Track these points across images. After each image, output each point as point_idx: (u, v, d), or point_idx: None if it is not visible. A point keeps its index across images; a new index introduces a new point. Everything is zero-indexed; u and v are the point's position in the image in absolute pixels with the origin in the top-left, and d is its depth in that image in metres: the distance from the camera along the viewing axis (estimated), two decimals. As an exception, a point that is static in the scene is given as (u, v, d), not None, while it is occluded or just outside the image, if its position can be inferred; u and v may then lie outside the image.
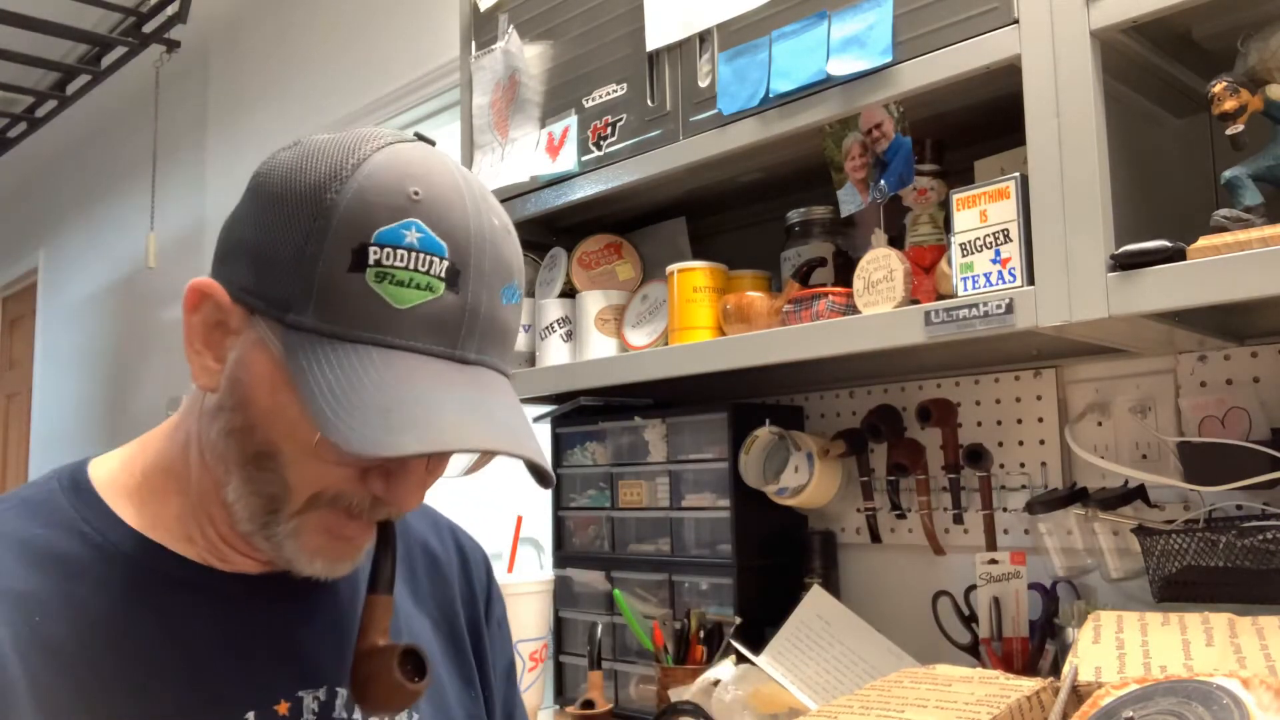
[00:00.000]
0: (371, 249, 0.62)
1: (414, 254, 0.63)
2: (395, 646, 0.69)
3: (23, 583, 0.65)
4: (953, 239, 1.16)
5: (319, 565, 0.70)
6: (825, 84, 1.26)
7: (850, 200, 1.33)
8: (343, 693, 0.74)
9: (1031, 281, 1.09)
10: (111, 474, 0.74)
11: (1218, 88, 1.01)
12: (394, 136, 0.68)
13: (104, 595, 0.68)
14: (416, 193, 0.64)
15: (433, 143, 0.70)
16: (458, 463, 0.74)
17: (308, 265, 0.63)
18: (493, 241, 0.67)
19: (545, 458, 0.67)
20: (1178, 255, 0.99)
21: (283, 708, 0.71)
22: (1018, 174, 1.11)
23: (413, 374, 0.63)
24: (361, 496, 0.68)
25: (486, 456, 0.73)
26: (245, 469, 0.67)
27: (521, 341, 1.72)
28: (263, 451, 0.66)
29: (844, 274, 1.44)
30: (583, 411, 1.81)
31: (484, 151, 1.72)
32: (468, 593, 0.90)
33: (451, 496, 2.40)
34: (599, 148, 1.54)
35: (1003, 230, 1.11)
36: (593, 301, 1.64)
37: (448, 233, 0.64)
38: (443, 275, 0.64)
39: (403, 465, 0.68)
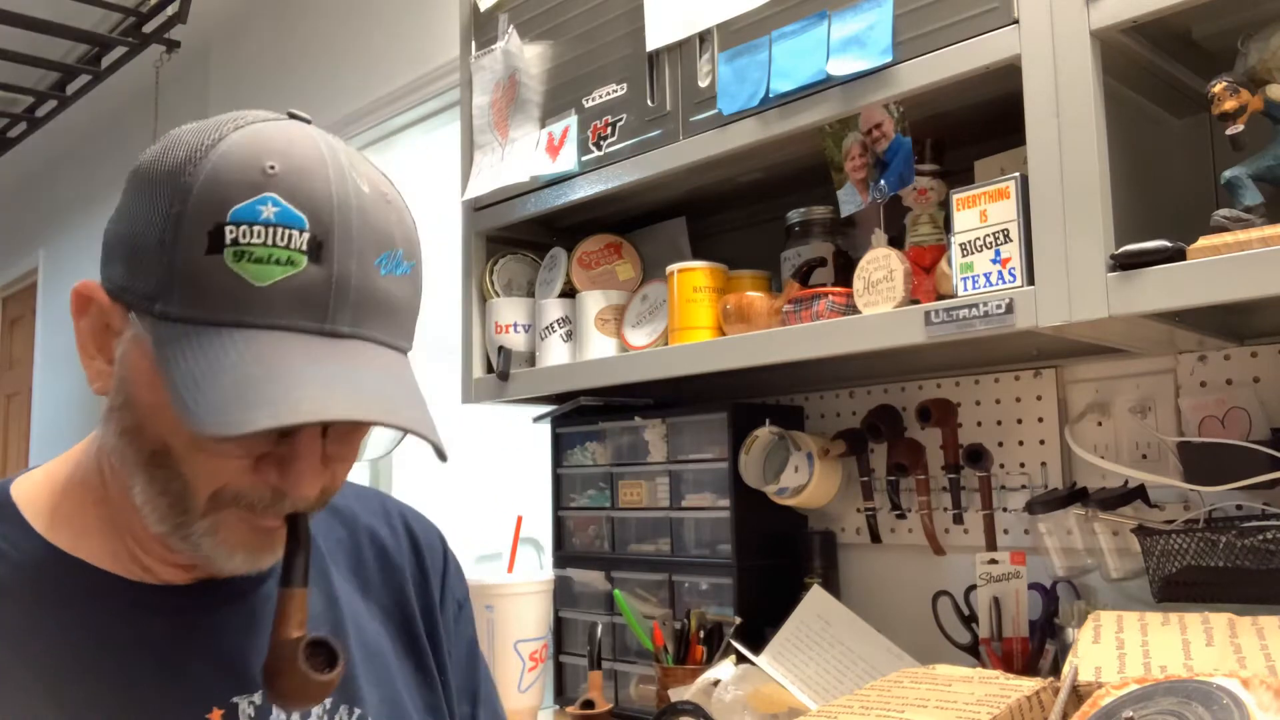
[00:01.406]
0: (227, 228, 0.60)
1: (271, 229, 0.61)
2: (303, 638, 0.66)
3: None
4: (953, 239, 1.16)
5: (239, 560, 0.68)
6: (825, 84, 1.26)
7: (850, 200, 1.33)
8: None
9: (1031, 281, 1.08)
10: (34, 488, 0.73)
11: (1218, 88, 1.01)
12: (258, 116, 0.66)
13: (18, 610, 0.67)
14: (272, 167, 0.62)
15: (308, 120, 0.68)
16: (375, 447, 0.73)
17: (168, 252, 0.61)
18: (361, 209, 0.64)
19: (433, 429, 0.64)
20: (1178, 255, 0.99)
21: (215, 715, 0.69)
22: (1018, 174, 1.11)
23: (275, 351, 0.61)
24: (260, 491, 0.66)
25: (397, 436, 0.72)
26: (145, 470, 0.66)
27: (521, 342, 1.72)
28: (156, 450, 0.65)
29: (844, 274, 1.44)
30: (583, 411, 1.81)
31: (484, 151, 1.72)
32: (419, 578, 0.88)
33: (451, 497, 2.40)
34: (599, 148, 1.54)
35: (1003, 230, 1.11)
36: (593, 301, 1.63)
37: (307, 203, 0.62)
38: (304, 248, 0.61)
39: (294, 452, 0.65)
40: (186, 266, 0.61)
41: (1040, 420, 1.44)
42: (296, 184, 0.62)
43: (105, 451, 0.70)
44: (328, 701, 0.75)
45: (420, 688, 0.84)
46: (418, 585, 0.88)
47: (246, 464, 0.65)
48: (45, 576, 0.69)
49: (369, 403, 0.62)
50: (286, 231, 0.61)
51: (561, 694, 1.82)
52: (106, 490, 0.71)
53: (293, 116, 0.68)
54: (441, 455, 0.65)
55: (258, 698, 0.71)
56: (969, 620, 1.42)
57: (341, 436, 0.68)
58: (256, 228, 0.61)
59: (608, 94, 1.54)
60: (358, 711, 0.76)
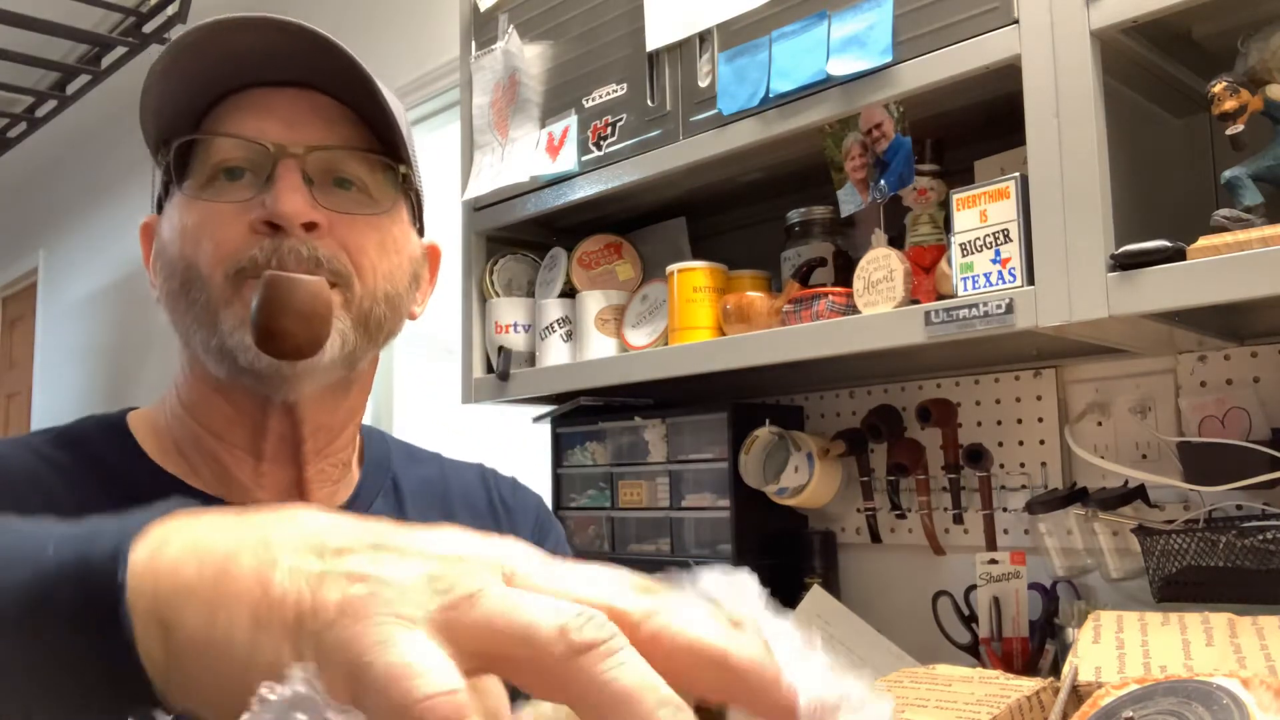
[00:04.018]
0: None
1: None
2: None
3: (59, 496, 0.69)
4: (953, 239, 1.16)
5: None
6: (825, 84, 1.26)
7: (850, 200, 1.33)
8: None
9: (1031, 281, 1.08)
10: (142, 419, 0.78)
11: (1218, 88, 1.01)
12: None
13: (100, 498, 0.69)
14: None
15: None
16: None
17: (153, 125, 0.71)
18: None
19: (356, 61, 0.70)
20: (1178, 255, 0.99)
21: None
22: (1018, 174, 1.11)
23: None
24: (261, 243, 0.69)
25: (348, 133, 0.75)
26: (180, 300, 0.71)
27: (521, 341, 1.72)
28: (176, 269, 0.71)
29: (844, 274, 1.44)
30: (583, 411, 1.81)
31: (484, 151, 1.72)
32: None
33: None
34: (599, 148, 1.54)
35: (1003, 230, 1.11)
36: (593, 301, 1.63)
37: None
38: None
39: (275, 182, 0.69)
40: (156, 111, 0.71)
41: (1040, 420, 1.44)
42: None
43: (179, 349, 0.75)
44: None
45: None
46: None
47: (242, 227, 0.69)
48: (143, 490, 0.71)
49: (288, 24, 0.70)
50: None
51: (561, 694, 1.82)
52: (187, 394, 0.75)
53: None
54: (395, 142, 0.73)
55: None
56: (969, 620, 1.42)
57: (346, 197, 0.73)
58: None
59: (608, 94, 1.54)
60: None
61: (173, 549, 0.33)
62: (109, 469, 0.73)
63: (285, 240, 0.69)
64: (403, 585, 0.29)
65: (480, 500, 0.90)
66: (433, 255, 0.86)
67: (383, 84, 0.73)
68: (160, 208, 0.75)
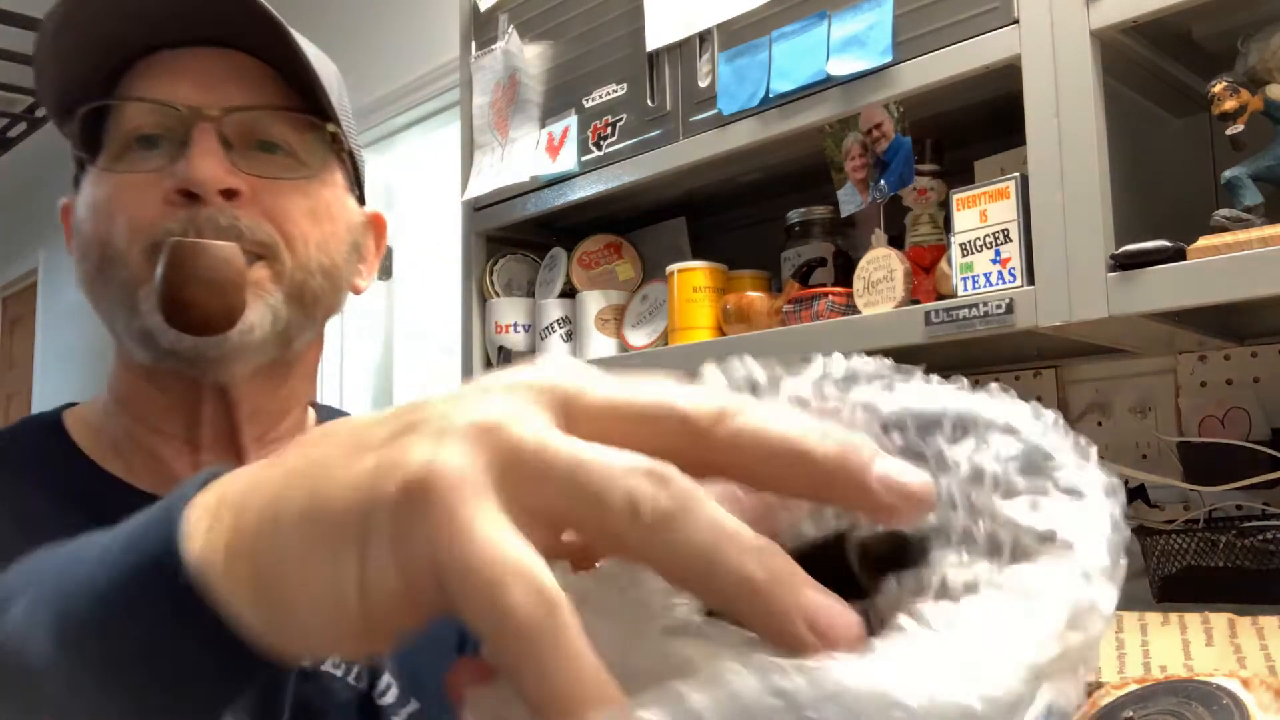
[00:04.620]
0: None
1: None
2: None
3: None
4: (953, 239, 1.16)
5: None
6: (825, 84, 1.26)
7: (850, 200, 1.33)
8: None
9: (1031, 281, 1.08)
10: (78, 416, 0.75)
11: (1218, 88, 1.01)
12: None
13: (50, 526, 0.68)
14: None
15: None
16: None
17: (52, 90, 0.68)
18: None
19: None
20: (1178, 255, 0.99)
21: None
22: (1018, 174, 1.11)
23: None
24: (178, 214, 0.65)
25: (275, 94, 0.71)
26: (98, 280, 0.67)
27: (521, 342, 1.72)
28: (93, 245, 0.67)
29: (844, 274, 1.44)
30: (583, 411, 1.80)
31: (484, 151, 1.72)
32: None
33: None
34: (599, 148, 1.54)
35: (1003, 230, 1.11)
36: (593, 301, 1.63)
37: None
38: None
39: (185, 143, 0.65)
40: (51, 75, 0.68)
41: (1040, 420, 1.44)
42: None
43: (109, 345, 0.72)
44: (397, 691, 0.71)
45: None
46: None
47: (156, 198, 0.65)
48: (79, 490, 0.69)
49: None
50: None
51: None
52: (119, 387, 0.72)
53: None
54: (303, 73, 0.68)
55: None
56: (969, 620, 1.42)
57: (271, 162, 0.68)
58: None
59: (608, 94, 1.54)
60: (415, 705, 0.72)
61: (227, 511, 0.31)
62: (45, 471, 0.70)
63: (202, 210, 0.64)
64: (455, 452, 0.26)
65: None
66: (376, 224, 0.80)
67: (306, 40, 0.69)
68: (77, 185, 0.71)
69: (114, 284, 0.66)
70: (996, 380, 1.28)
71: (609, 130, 1.53)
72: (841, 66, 1.23)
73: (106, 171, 0.67)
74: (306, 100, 0.70)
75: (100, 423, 0.73)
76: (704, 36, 1.41)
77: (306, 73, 0.68)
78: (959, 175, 1.31)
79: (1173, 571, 1.19)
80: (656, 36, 1.46)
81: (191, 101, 0.66)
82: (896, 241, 1.33)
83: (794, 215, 1.55)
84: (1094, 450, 0.30)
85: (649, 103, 1.48)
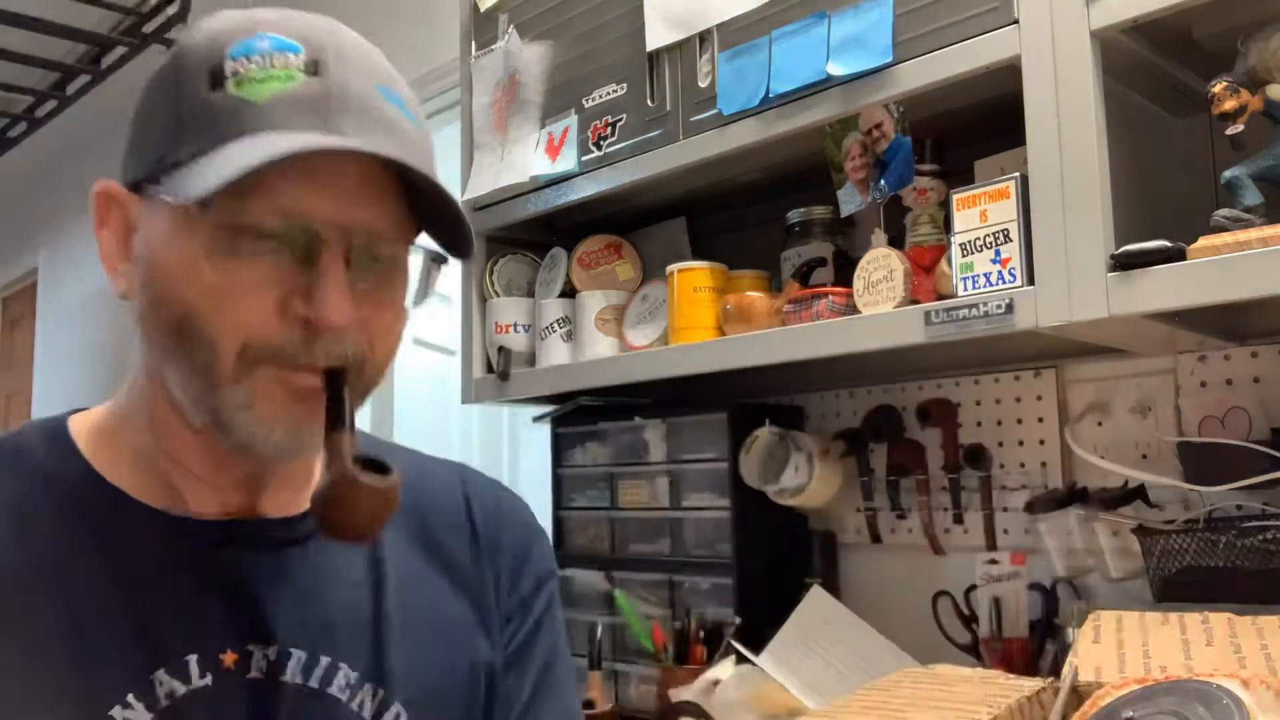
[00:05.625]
0: (226, 64, 0.63)
1: (269, 55, 0.63)
2: (357, 462, 0.65)
3: None
4: (953, 239, 1.16)
5: (280, 434, 0.66)
6: (825, 84, 1.26)
7: (850, 200, 1.33)
8: (297, 655, 0.70)
9: (1031, 281, 1.08)
10: (84, 423, 0.74)
11: (1218, 88, 1.01)
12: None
13: (54, 533, 0.68)
14: (267, 19, 0.66)
15: None
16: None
17: (175, 108, 0.64)
18: (355, 45, 0.67)
19: (444, 191, 0.65)
20: (1178, 255, 0.99)
21: (229, 658, 0.68)
22: (1018, 174, 1.11)
23: (271, 138, 0.62)
24: (289, 335, 0.64)
25: (435, 267, 0.71)
26: (172, 346, 0.65)
27: (521, 342, 1.72)
28: (179, 317, 0.64)
29: (844, 274, 1.44)
30: (583, 411, 1.81)
31: (484, 151, 1.72)
32: (492, 551, 0.84)
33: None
34: (599, 148, 1.54)
35: (1003, 230, 1.11)
36: (593, 301, 1.63)
37: (302, 36, 0.65)
38: (300, 66, 0.64)
39: (317, 274, 0.63)
40: (191, 110, 0.64)
41: (1040, 420, 1.44)
42: (290, 25, 0.66)
43: (143, 361, 0.70)
44: (353, 675, 0.71)
45: (489, 661, 0.80)
46: (489, 560, 0.83)
47: (269, 304, 0.64)
48: (81, 498, 0.69)
49: (364, 146, 0.63)
50: (283, 55, 0.64)
51: (561, 694, 1.82)
52: (149, 411, 0.71)
53: None
54: (462, 246, 0.67)
55: (272, 652, 0.70)
56: (969, 620, 1.42)
57: (370, 272, 0.67)
58: (255, 56, 0.64)
59: (608, 94, 1.54)
60: (380, 693, 0.73)
61: None
62: (48, 479, 0.70)
63: (318, 340, 0.64)
64: None
65: (457, 507, 0.85)
66: None
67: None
68: (135, 185, 0.67)
69: (193, 360, 0.65)
70: (996, 380, 1.28)
71: (609, 130, 1.53)
72: (841, 66, 1.23)
73: (219, 256, 0.63)
74: (415, 207, 0.69)
75: (115, 431, 0.73)
76: (704, 36, 1.41)
77: (444, 203, 0.67)
78: (959, 175, 1.31)
79: (1173, 571, 1.19)
80: (656, 36, 1.46)
81: (325, 218, 0.64)
82: (896, 241, 1.33)
83: (794, 215, 1.55)
84: None
85: (649, 103, 1.48)
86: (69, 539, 0.68)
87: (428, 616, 0.78)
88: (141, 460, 0.72)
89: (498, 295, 1.75)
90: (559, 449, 1.87)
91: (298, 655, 0.70)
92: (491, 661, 0.81)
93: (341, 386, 0.66)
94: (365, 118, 0.65)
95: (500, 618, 0.83)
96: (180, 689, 0.66)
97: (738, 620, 1.52)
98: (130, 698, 0.65)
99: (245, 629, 0.70)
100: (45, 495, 0.69)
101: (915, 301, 1.23)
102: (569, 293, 1.70)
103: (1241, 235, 0.96)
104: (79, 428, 0.74)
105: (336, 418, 0.66)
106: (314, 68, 0.64)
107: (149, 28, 3.60)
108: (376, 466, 0.65)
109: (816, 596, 1.51)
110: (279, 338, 0.64)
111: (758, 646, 1.44)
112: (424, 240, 0.71)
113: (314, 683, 0.71)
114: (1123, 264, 1.01)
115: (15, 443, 0.72)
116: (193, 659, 0.67)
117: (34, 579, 0.66)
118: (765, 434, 1.58)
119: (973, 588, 1.41)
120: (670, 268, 1.52)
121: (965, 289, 1.14)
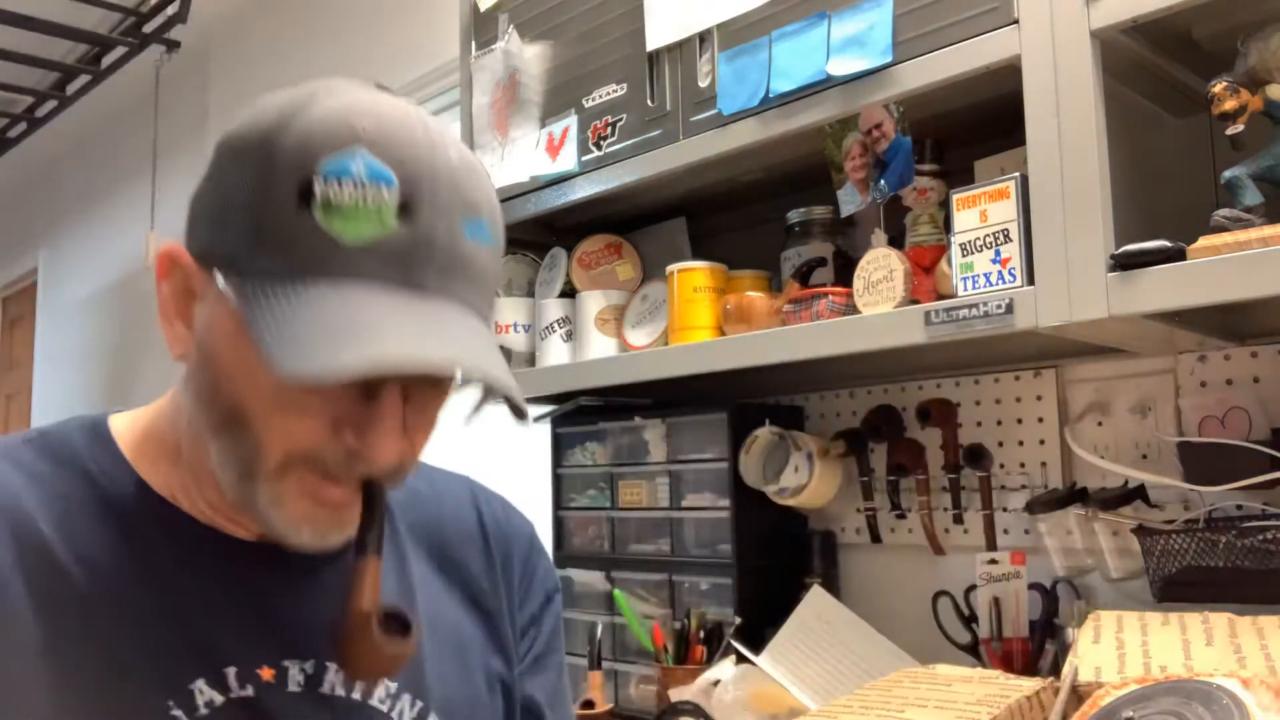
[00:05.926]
0: (316, 182, 0.61)
1: (361, 185, 0.61)
2: (377, 608, 0.66)
3: (30, 516, 0.67)
4: (953, 239, 1.16)
5: (306, 534, 0.67)
6: (825, 84, 1.26)
7: (850, 200, 1.33)
8: (332, 668, 0.72)
9: (1031, 281, 1.08)
10: (129, 426, 0.75)
11: (1218, 88, 1.01)
12: (348, 84, 0.67)
13: (97, 535, 0.68)
14: (364, 127, 0.62)
15: (392, 91, 0.69)
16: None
17: (256, 209, 0.62)
18: (450, 173, 0.64)
19: (515, 388, 0.64)
20: (1178, 255, 0.99)
21: (266, 673, 0.69)
22: (1018, 174, 1.11)
23: (361, 300, 0.60)
24: (335, 452, 0.65)
25: (480, 396, 0.70)
26: (218, 433, 0.66)
27: (521, 342, 1.72)
28: (230, 411, 0.65)
29: (844, 274, 1.44)
30: (583, 411, 1.81)
31: (484, 151, 1.72)
32: (505, 569, 0.86)
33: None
34: (599, 148, 1.54)
35: (1003, 230, 1.11)
36: (593, 301, 1.63)
37: (398, 162, 0.62)
38: (393, 205, 0.61)
39: (377, 414, 0.64)
40: (274, 221, 0.61)
41: (1040, 420, 1.44)
42: (387, 143, 0.62)
43: (182, 413, 0.71)
44: (392, 686, 0.74)
45: (501, 676, 0.82)
46: (502, 575, 0.85)
47: (324, 426, 0.64)
48: (124, 504, 0.70)
49: (457, 354, 0.62)
50: (376, 188, 0.61)
51: (561, 694, 1.82)
52: (182, 451, 0.72)
53: (380, 88, 0.69)
54: (521, 414, 0.65)
55: (310, 666, 0.71)
56: (969, 620, 1.42)
57: (422, 403, 0.68)
58: (346, 183, 0.61)
59: (608, 94, 1.54)
60: (419, 705, 0.75)
61: None
62: (93, 481, 0.71)
63: (361, 464, 0.65)
64: None
65: (470, 521, 0.86)
66: None
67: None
68: (205, 258, 0.65)
69: (237, 451, 0.65)
70: (996, 380, 1.28)
71: (609, 130, 1.53)
72: (841, 66, 1.23)
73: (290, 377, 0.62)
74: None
75: (160, 441, 0.73)
76: (704, 36, 1.41)
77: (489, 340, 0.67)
78: (959, 175, 1.31)
79: (1173, 571, 1.19)
80: (656, 36, 1.46)
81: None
82: (896, 241, 1.33)
83: (794, 215, 1.55)
84: None
85: (649, 103, 1.48)
86: (113, 543, 0.69)
87: (445, 629, 0.80)
88: (174, 485, 0.72)
89: (498, 295, 1.75)
90: (559, 449, 1.87)
91: (332, 668, 0.72)
92: (504, 675, 0.83)
93: (375, 502, 0.68)
94: (447, 270, 0.64)
95: (514, 632, 0.85)
96: (219, 698, 0.67)
97: (737, 620, 1.52)
98: (170, 704, 0.66)
99: (283, 644, 0.71)
100: (90, 496, 0.70)
101: (915, 301, 1.23)
102: (569, 293, 1.70)
103: (1241, 235, 0.96)
104: (122, 431, 0.74)
105: (365, 539, 0.67)
106: (405, 210, 0.62)
107: (149, 28, 3.60)
108: (398, 620, 0.67)
109: (816, 596, 1.51)
110: (325, 452, 0.65)
111: (758, 646, 1.44)
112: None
113: (356, 695, 0.72)
114: (1123, 264, 1.01)
115: (60, 438, 0.73)
116: (231, 671, 0.68)
117: (77, 581, 0.66)
118: (765, 434, 1.58)
119: (973, 588, 1.41)
120: (670, 268, 1.52)
121: (965, 289, 1.14)
